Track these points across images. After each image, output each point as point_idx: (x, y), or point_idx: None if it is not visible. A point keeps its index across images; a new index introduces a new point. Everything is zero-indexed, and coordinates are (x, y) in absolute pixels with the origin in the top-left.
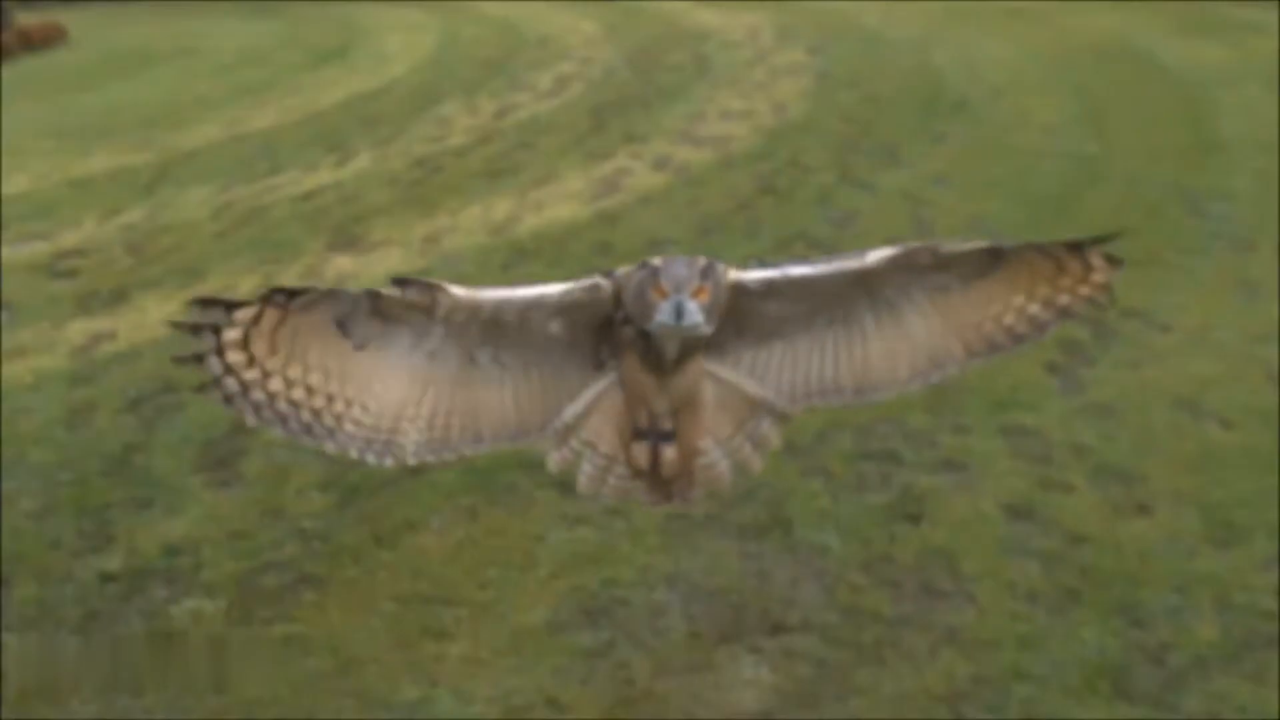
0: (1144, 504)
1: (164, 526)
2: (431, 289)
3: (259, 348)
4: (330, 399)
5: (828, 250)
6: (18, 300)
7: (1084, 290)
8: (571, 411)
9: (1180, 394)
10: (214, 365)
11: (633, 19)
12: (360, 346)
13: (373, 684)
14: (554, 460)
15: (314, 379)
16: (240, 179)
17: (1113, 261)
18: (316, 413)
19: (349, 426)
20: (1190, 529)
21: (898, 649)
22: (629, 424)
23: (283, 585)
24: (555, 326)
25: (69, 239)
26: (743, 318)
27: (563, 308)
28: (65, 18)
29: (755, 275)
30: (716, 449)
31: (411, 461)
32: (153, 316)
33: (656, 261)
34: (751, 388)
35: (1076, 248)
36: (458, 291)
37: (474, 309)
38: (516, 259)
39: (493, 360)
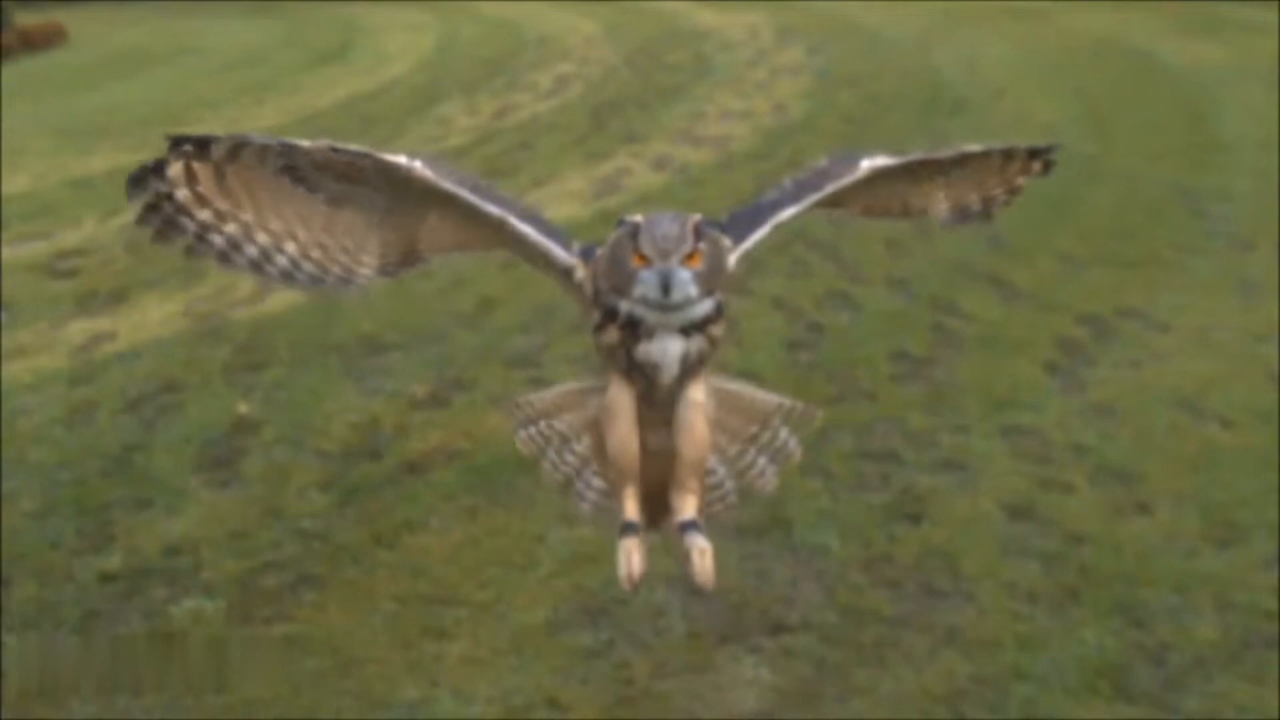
0: (1144, 504)
1: (164, 526)
2: (374, 160)
3: (225, 203)
4: (325, 248)
5: (827, 250)
6: (18, 300)
7: (997, 192)
8: (538, 397)
9: (1180, 394)
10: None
11: (633, 19)
12: (335, 203)
13: (373, 684)
14: (520, 438)
15: (300, 232)
16: None
17: (1047, 168)
18: (300, 257)
19: (332, 268)
20: (1190, 529)
21: (898, 649)
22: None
23: (283, 585)
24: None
25: (69, 239)
26: None
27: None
28: (65, 18)
29: (753, 240)
30: (721, 466)
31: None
32: (153, 316)
33: (636, 217)
34: (764, 396)
35: (1034, 154)
36: (425, 172)
37: (431, 188)
38: (517, 259)
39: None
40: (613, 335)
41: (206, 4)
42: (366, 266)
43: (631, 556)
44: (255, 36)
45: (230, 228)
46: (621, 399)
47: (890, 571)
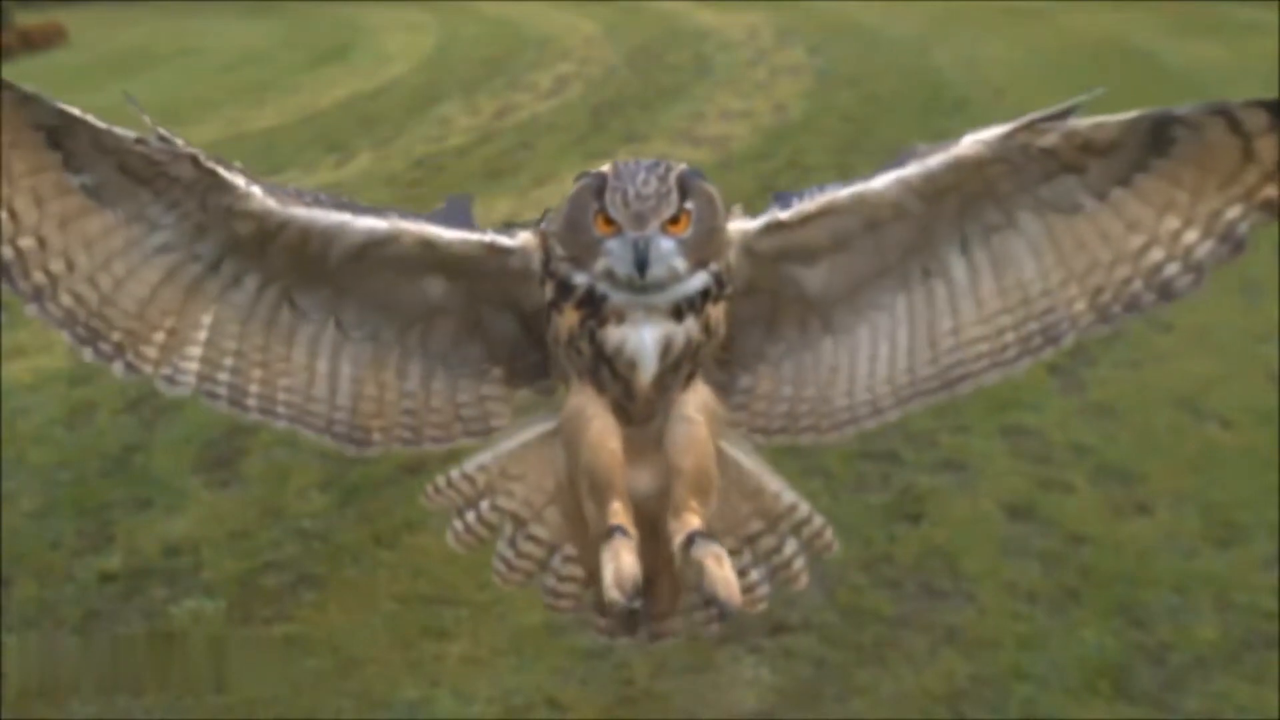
0: (1144, 504)
1: (164, 526)
2: (185, 158)
3: None
4: (44, 243)
5: None
6: (18, 300)
7: (1267, 191)
8: (474, 468)
9: (1180, 394)
10: None
11: (633, 19)
12: (93, 194)
13: (373, 684)
14: (452, 534)
15: (21, 205)
16: None
17: None
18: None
19: (65, 298)
20: (1190, 529)
21: (898, 649)
22: (585, 503)
23: (283, 585)
24: (436, 290)
25: None
26: (775, 298)
27: (445, 263)
28: (65, 18)
29: (792, 211)
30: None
31: (183, 393)
32: None
33: (604, 167)
34: (779, 487)
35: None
36: (265, 201)
37: (274, 223)
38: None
39: (323, 312)
40: (571, 317)
41: (206, 4)
42: (94, 301)
43: (621, 556)
44: (255, 36)
45: None
46: (591, 406)
47: (890, 571)
